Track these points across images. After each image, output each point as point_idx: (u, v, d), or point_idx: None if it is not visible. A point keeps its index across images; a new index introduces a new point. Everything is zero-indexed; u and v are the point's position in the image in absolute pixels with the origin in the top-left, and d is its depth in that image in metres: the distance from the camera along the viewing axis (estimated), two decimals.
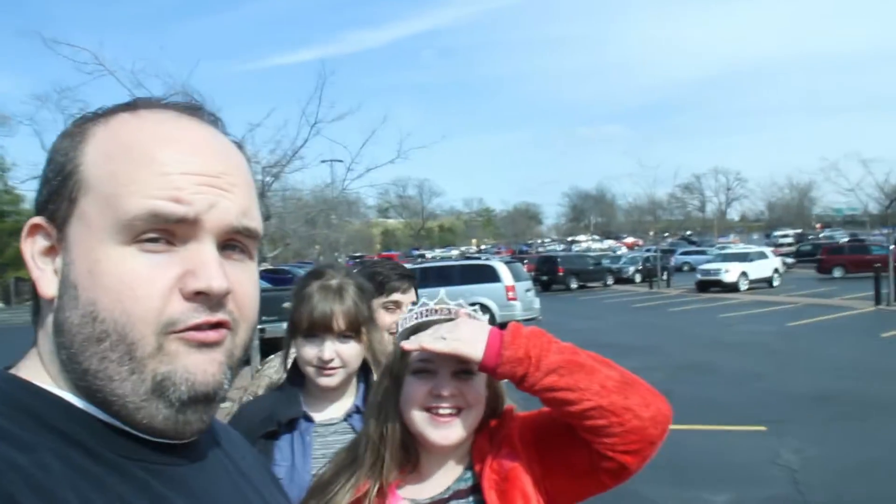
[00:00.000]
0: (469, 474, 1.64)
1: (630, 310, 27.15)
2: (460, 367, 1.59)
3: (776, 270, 35.30)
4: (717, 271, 33.50)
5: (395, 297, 2.79)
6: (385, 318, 2.71)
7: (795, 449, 8.19)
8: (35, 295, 0.86)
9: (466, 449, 1.67)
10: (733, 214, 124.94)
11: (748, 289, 32.80)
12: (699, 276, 34.51)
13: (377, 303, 2.69)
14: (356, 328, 2.09)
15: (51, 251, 0.83)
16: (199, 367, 0.81)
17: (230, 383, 0.86)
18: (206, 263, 0.81)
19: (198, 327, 0.81)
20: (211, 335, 0.82)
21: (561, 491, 1.60)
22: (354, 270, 2.88)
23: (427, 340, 1.55)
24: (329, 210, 19.36)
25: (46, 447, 0.74)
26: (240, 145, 0.94)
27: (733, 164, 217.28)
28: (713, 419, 9.64)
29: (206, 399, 0.82)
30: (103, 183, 0.81)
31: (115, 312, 0.78)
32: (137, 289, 0.78)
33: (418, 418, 1.60)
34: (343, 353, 2.08)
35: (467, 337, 1.54)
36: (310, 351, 2.08)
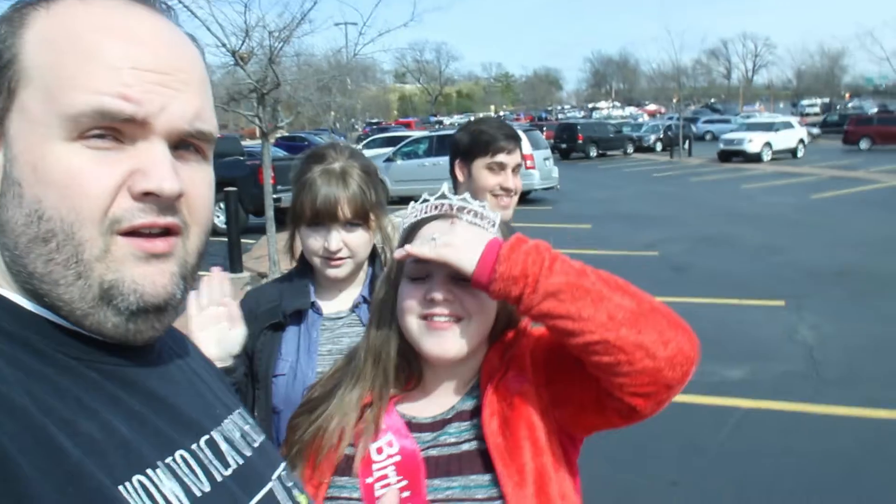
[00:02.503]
0: (475, 394, 1.48)
1: (650, 179, 26.83)
2: (456, 271, 1.38)
3: (801, 141, 34.51)
4: (740, 141, 32.82)
5: (500, 158, 2.52)
6: (489, 179, 2.51)
7: (812, 325, 8.17)
8: None
9: (476, 365, 1.50)
10: (760, 82, 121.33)
11: (771, 159, 32.21)
12: (721, 146, 33.84)
13: (481, 163, 2.51)
14: (363, 215, 1.91)
15: None
16: (147, 278, 0.79)
17: (184, 292, 0.84)
18: (156, 163, 0.78)
19: (145, 229, 0.78)
20: (159, 245, 0.79)
21: (570, 422, 1.44)
22: (459, 129, 2.68)
23: (416, 244, 1.38)
24: (343, 75, 18.85)
25: None
26: (193, 38, 0.88)
27: (762, 30, 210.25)
28: (731, 293, 9.60)
29: (157, 310, 0.80)
30: (46, 74, 0.76)
31: (61, 210, 0.74)
32: (84, 185, 0.75)
33: (414, 326, 1.43)
34: (350, 242, 1.92)
35: (459, 243, 1.34)
36: (315, 241, 1.92)
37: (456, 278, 1.41)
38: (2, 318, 0.75)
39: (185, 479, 0.77)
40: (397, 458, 1.42)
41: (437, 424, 1.46)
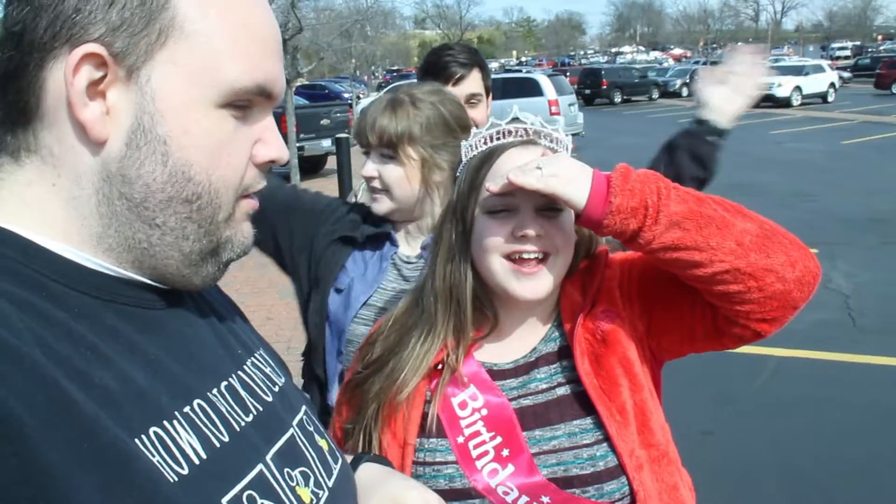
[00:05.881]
0: (557, 333, 1.39)
1: (676, 125, 25.42)
2: (545, 202, 1.27)
3: (832, 85, 33.66)
4: (768, 85, 31.97)
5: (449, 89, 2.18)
6: None
7: (846, 273, 8.02)
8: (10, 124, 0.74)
9: (554, 301, 1.39)
10: (789, 25, 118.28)
11: (801, 104, 31.48)
12: None
13: None
14: (388, 145, 1.81)
15: (94, 86, 0.72)
16: (249, 232, 0.85)
17: None
18: (273, 133, 0.83)
19: (252, 194, 0.84)
20: (256, 204, 0.86)
21: (667, 350, 1.37)
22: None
23: (518, 174, 1.21)
24: (364, 21, 18.56)
25: (1, 292, 0.66)
26: None
27: None
28: None
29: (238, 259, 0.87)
30: (207, 37, 0.75)
31: (211, 176, 0.77)
32: (233, 155, 0.79)
33: (499, 268, 1.31)
34: (384, 174, 1.84)
35: (567, 174, 1.20)
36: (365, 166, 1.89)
37: (542, 209, 1.29)
38: (17, 258, 0.70)
39: (204, 430, 0.74)
40: (484, 411, 1.32)
41: (521, 369, 1.37)
